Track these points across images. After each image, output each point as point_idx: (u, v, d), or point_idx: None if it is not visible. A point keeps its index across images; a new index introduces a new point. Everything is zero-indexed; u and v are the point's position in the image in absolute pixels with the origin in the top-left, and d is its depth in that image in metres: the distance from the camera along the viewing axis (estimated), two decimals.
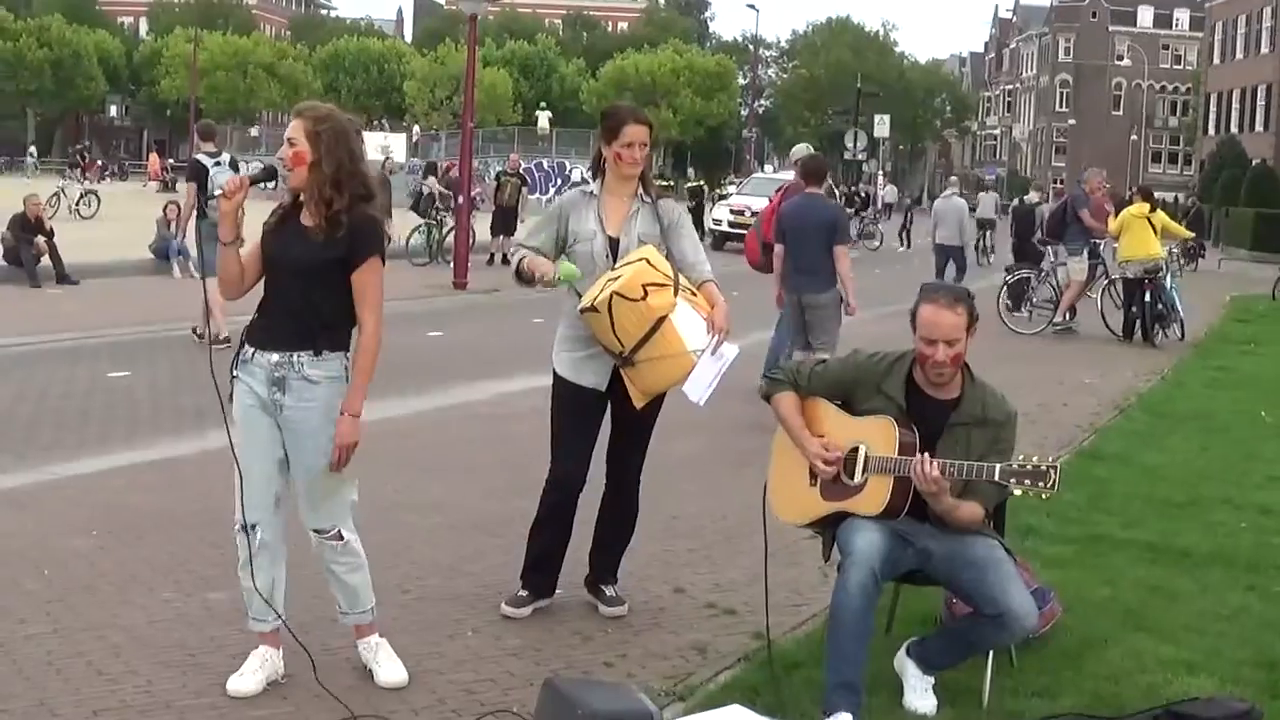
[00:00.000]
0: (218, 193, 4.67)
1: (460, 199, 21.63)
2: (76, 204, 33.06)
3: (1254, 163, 56.78)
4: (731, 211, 33.51)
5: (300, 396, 4.65)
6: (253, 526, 4.75)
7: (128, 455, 8.63)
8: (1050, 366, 14.39)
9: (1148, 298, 17.05)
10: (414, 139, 61.81)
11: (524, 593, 5.70)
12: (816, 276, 10.39)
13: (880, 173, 65.12)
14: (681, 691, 4.81)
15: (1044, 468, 4.38)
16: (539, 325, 16.86)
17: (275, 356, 4.66)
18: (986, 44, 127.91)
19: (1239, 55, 70.46)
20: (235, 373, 4.76)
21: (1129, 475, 8.80)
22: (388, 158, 32.85)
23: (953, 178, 30.53)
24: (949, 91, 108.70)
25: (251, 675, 4.77)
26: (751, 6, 76.29)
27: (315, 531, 4.85)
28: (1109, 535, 7.27)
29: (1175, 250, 19.18)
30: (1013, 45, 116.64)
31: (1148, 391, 13.06)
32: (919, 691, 4.78)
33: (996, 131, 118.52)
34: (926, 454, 4.51)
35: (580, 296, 5.44)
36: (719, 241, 31.92)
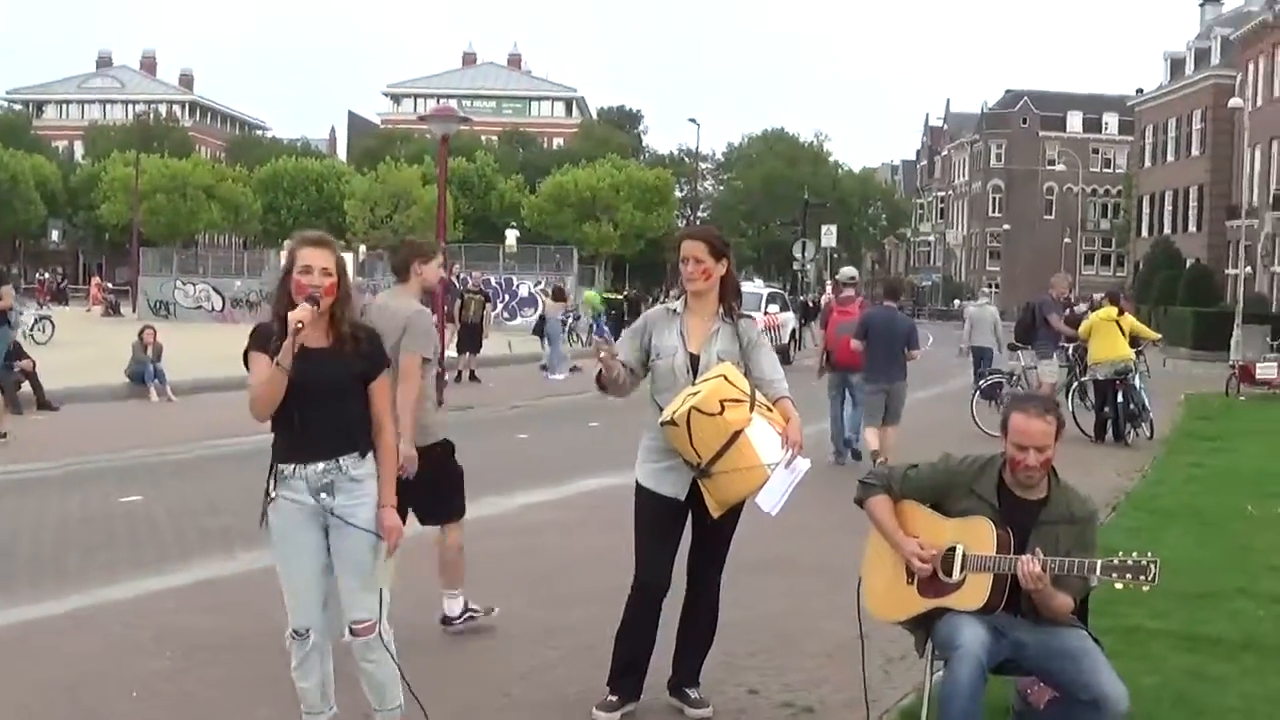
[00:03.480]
0: (297, 326, 4.89)
1: (435, 315, 21.80)
2: (31, 329, 32.90)
3: (1189, 263, 58.13)
4: None
5: (350, 495, 5.03)
6: (306, 631, 5.10)
7: (167, 578, 8.69)
8: None
9: (1120, 398, 17.58)
10: (360, 258, 61.91)
11: (613, 698, 5.90)
12: (896, 368, 14.11)
13: (830, 281, 66.38)
14: None
15: (1144, 562, 4.68)
16: (522, 441, 17.17)
17: (320, 465, 5.01)
18: (918, 152, 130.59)
19: (1170, 158, 72.14)
20: (274, 493, 5.05)
21: None
22: None
23: (984, 289, 33.44)
24: (883, 199, 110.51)
25: None
26: (693, 121, 77.78)
27: (354, 625, 5.11)
28: (1142, 626, 7.54)
29: (1143, 352, 19.76)
30: (944, 152, 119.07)
31: (1134, 490, 13.45)
32: None
33: (930, 238, 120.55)
34: (1030, 554, 4.80)
35: (661, 409, 5.73)
36: None
